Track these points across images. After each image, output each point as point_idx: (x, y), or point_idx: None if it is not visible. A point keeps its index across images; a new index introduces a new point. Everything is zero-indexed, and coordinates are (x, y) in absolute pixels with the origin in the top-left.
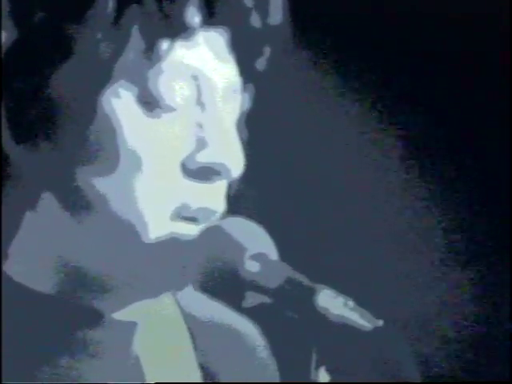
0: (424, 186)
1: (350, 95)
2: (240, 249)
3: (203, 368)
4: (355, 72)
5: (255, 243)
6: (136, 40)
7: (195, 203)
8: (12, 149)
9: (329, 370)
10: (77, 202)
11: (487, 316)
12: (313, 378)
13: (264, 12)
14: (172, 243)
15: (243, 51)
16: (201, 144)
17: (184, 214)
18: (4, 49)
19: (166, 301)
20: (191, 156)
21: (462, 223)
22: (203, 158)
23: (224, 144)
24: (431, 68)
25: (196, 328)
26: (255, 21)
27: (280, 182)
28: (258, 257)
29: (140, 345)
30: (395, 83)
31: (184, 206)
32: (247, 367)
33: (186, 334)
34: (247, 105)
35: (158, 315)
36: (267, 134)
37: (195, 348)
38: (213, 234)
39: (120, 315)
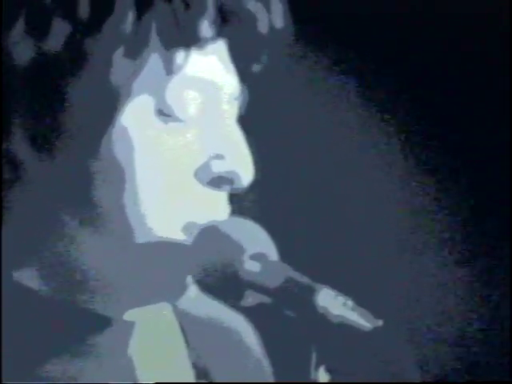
0: (425, 185)
1: (350, 98)
2: (239, 249)
3: (196, 366)
4: (356, 74)
5: (255, 243)
6: (152, 53)
7: (203, 217)
8: (28, 157)
9: (328, 370)
10: (86, 209)
11: (487, 316)
12: (312, 378)
13: (266, 17)
14: (171, 247)
15: (243, 57)
16: (212, 154)
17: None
18: (25, 61)
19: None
20: (203, 166)
21: (462, 223)
22: (215, 167)
23: (235, 153)
24: (431, 69)
25: (188, 325)
26: (258, 27)
27: (280, 183)
28: (258, 257)
29: (133, 344)
30: (396, 87)
31: (191, 223)
32: (240, 365)
33: (179, 332)
34: (243, 107)
35: (151, 313)
36: (266, 134)
37: (188, 346)
38: (212, 234)
39: (118, 316)
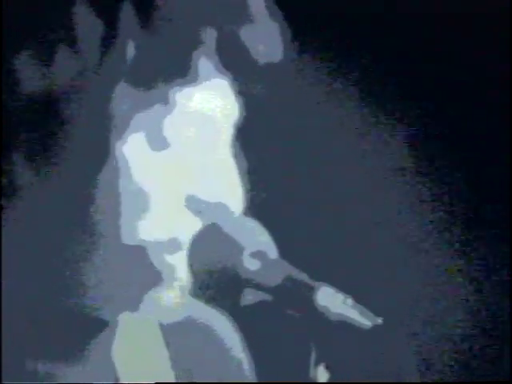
0: (425, 184)
1: (351, 102)
2: (239, 247)
3: (176, 367)
4: (357, 78)
5: (254, 241)
6: (152, 87)
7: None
8: (27, 178)
9: (328, 368)
10: (81, 227)
11: (487, 316)
12: (312, 375)
13: (265, 50)
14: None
15: (241, 83)
16: (204, 183)
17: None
18: (29, 88)
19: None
20: (194, 195)
21: (462, 222)
22: (206, 197)
23: (226, 184)
24: (431, 69)
25: (169, 327)
26: (256, 58)
27: (279, 181)
28: (258, 255)
29: (115, 347)
30: (395, 87)
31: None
32: (220, 364)
33: (159, 333)
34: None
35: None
36: (266, 132)
37: (168, 347)
38: (211, 232)
39: (102, 318)
